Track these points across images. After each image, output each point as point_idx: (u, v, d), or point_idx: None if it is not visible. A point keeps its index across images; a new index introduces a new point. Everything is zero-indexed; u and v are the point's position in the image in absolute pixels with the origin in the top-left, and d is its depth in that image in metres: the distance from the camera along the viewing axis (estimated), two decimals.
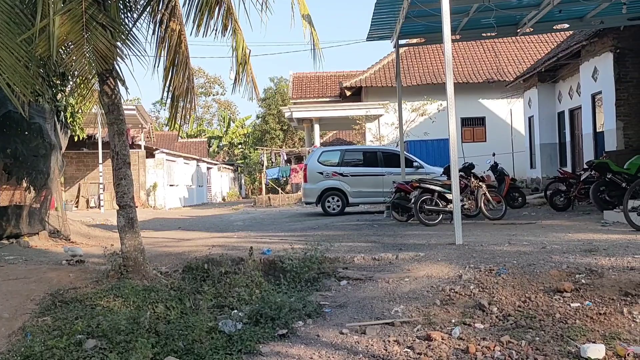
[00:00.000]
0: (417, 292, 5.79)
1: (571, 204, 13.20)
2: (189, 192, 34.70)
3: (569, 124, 18.69)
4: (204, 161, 40.88)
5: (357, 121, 25.38)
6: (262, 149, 40.07)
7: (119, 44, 6.66)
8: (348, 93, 27.61)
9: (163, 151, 30.24)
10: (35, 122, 10.32)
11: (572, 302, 5.06)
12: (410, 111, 23.57)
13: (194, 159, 37.59)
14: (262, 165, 36.05)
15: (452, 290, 5.66)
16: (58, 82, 9.94)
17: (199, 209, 29.05)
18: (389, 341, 4.64)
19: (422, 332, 4.78)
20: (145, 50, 7.17)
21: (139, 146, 27.84)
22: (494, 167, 14.40)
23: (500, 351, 4.30)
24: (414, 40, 15.99)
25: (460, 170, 11.39)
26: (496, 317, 4.98)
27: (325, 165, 16.54)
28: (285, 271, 6.80)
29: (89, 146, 25.83)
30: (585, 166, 13.30)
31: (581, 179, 12.79)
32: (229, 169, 52.29)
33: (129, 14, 7.31)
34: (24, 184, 10.68)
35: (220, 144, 58.40)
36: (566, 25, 14.41)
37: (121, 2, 7.06)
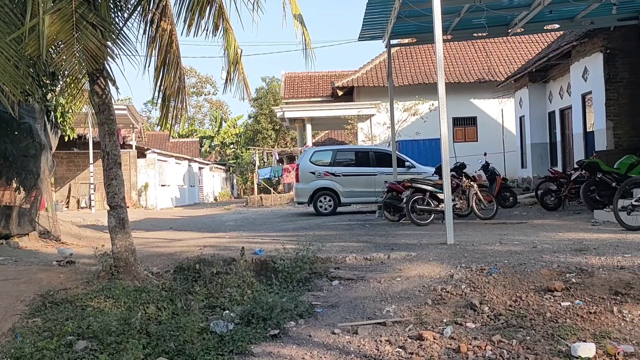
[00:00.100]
0: (408, 291, 5.80)
1: (562, 204, 13.28)
2: (180, 192, 34.59)
3: (560, 123, 18.80)
4: (195, 161, 40.77)
5: (349, 121, 25.41)
6: (254, 149, 40.03)
7: (109, 43, 6.63)
8: (340, 93, 27.63)
9: (154, 151, 30.13)
10: (25, 122, 10.25)
11: (562, 301, 5.09)
12: (402, 111, 23.61)
13: (185, 159, 37.48)
14: (254, 165, 36.02)
15: (444, 290, 5.68)
16: (48, 81, 9.89)
17: (190, 209, 28.97)
18: (381, 341, 4.65)
19: (413, 331, 4.79)
20: (136, 50, 7.14)
21: (130, 146, 27.72)
22: (486, 167, 14.45)
23: (491, 350, 4.31)
24: (406, 40, 16.03)
25: (451, 170, 11.44)
26: (487, 316, 5.00)
27: (317, 165, 16.54)
28: (277, 271, 6.79)
29: (79, 146, 25.69)
30: (575, 166, 13.38)
31: (572, 179, 12.87)
32: (220, 169, 52.18)
33: (119, 14, 7.27)
34: (14, 185, 10.60)
35: (212, 144, 58.27)
36: (557, 26, 14.50)
37: (112, 1, 7.03)
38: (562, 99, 18.31)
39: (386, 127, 23.64)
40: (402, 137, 22.77)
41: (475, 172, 14.50)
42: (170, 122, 7.43)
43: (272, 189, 30.96)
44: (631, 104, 13.75)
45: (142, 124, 30.60)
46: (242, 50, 7.43)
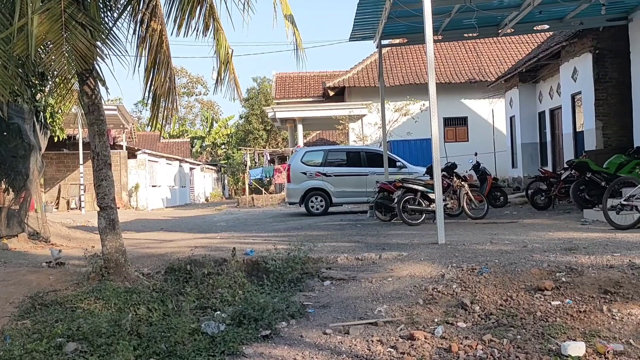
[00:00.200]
0: (400, 291, 5.81)
1: (552, 203, 13.35)
2: (171, 193, 34.47)
3: (550, 123, 18.91)
4: (186, 162, 40.65)
5: (341, 121, 25.42)
6: (246, 149, 39.95)
7: (99, 43, 6.60)
8: (331, 93, 27.64)
9: (145, 152, 30.00)
10: (13, 123, 10.17)
11: (552, 300, 5.12)
12: (393, 111, 23.65)
13: (176, 159, 37.35)
14: (246, 165, 35.93)
15: (435, 290, 5.69)
16: (37, 82, 9.82)
17: (181, 209, 28.88)
18: (373, 341, 4.65)
19: (405, 331, 4.79)
20: (126, 50, 7.11)
21: (121, 147, 27.58)
22: (476, 167, 14.52)
23: (482, 350, 4.33)
24: (397, 41, 16.06)
25: (442, 170, 11.47)
26: (478, 315, 5.01)
27: (308, 165, 16.54)
28: (269, 272, 6.78)
29: (69, 147, 25.53)
30: (565, 165, 13.46)
31: (561, 178, 12.95)
32: (212, 169, 52.04)
33: (109, 13, 7.24)
34: (3, 186, 10.52)
35: (203, 144, 58.08)
36: (546, 26, 14.58)
37: (101, 1, 6.99)
38: (552, 99, 18.42)
39: (377, 127, 23.66)
40: (394, 137, 22.81)
41: (466, 172, 14.57)
42: (160, 123, 7.39)
43: (263, 190, 30.90)
44: (620, 104, 13.85)
45: (133, 124, 30.44)
46: (233, 50, 7.42)
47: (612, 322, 4.63)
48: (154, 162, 31.29)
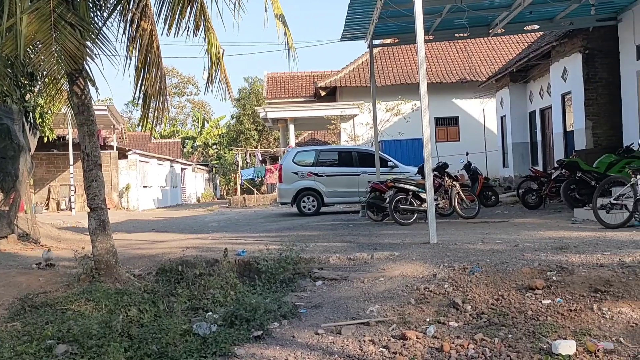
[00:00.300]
0: (392, 291, 5.81)
1: (543, 202, 13.42)
2: (162, 193, 34.33)
3: (540, 123, 19.01)
4: (178, 162, 40.50)
5: (332, 121, 25.43)
6: (237, 150, 39.88)
7: (88, 43, 6.57)
8: (323, 93, 27.64)
9: (136, 152, 29.86)
10: (2, 123, 10.09)
11: (543, 299, 5.14)
12: (385, 111, 23.69)
13: (167, 159, 37.21)
14: (237, 165, 35.86)
15: (427, 289, 5.70)
16: (26, 82, 9.75)
17: (173, 210, 28.77)
18: (365, 341, 4.65)
19: (397, 331, 4.80)
20: (116, 50, 7.07)
21: (112, 147, 27.43)
22: (468, 167, 14.56)
23: (474, 349, 4.34)
24: (388, 41, 16.08)
25: (434, 170, 11.51)
26: (470, 315, 5.03)
27: (300, 165, 16.52)
28: (261, 272, 6.76)
29: (59, 147, 25.37)
30: (556, 165, 13.53)
31: (552, 178, 13.02)
32: (203, 169, 51.89)
33: (98, 13, 7.20)
34: None
35: (195, 145, 57.91)
36: (537, 26, 14.65)
37: (90, 0, 6.95)
38: (542, 98, 18.51)
39: (369, 127, 23.69)
40: (385, 137, 22.84)
41: (458, 171, 14.61)
42: (151, 123, 7.36)
43: (255, 190, 30.86)
44: (610, 104, 13.94)
45: (123, 124, 30.27)
46: (224, 50, 7.40)
47: (602, 321, 4.65)
48: (145, 163, 31.16)
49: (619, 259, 5.97)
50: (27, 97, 10.77)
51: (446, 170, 12.51)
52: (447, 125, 26.41)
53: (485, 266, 6.17)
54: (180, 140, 53.55)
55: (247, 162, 36.65)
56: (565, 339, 4.33)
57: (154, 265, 7.54)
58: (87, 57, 6.53)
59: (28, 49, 6.17)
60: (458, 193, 12.15)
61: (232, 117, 57.84)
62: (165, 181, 35.78)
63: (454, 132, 26.40)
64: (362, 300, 5.68)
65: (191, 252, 8.36)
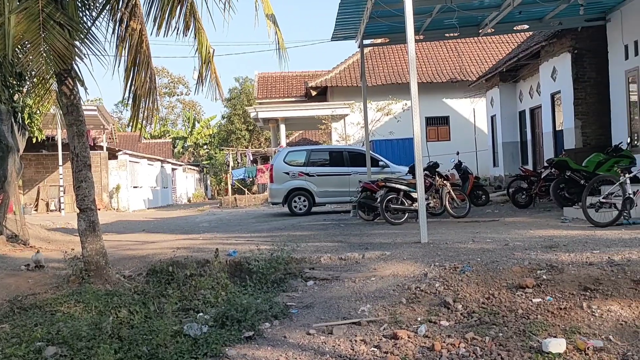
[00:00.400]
0: (383, 291, 5.82)
1: (532, 201, 13.49)
2: (153, 194, 34.19)
3: (530, 122, 19.11)
4: (168, 162, 40.34)
5: (323, 121, 25.43)
6: (228, 150, 39.79)
7: (77, 43, 6.53)
8: (314, 93, 27.64)
9: (126, 152, 29.72)
10: None
11: (533, 298, 5.16)
12: (376, 111, 23.72)
13: (158, 160, 37.05)
14: (228, 165, 35.77)
15: (418, 289, 5.71)
16: (15, 82, 9.69)
17: (164, 210, 28.66)
18: (356, 341, 4.65)
19: (388, 330, 4.80)
20: (105, 50, 7.04)
21: (101, 147, 27.30)
22: (458, 166, 14.60)
23: (465, 348, 4.35)
24: (379, 40, 16.12)
25: (425, 169, 11.54)
26: (461, 314, 5.04)
27: (291, 165, 16.51)
28: (252, 272, 6.75)
29: (48, 148, 25.19)
30: (545, 164, 13.61)
31: (542, 177, 13.09)
32: (194, 169, 51.73)
33: (87, 13, 7.17)
34: None
35: (185, 145, 57.69)
36: (526, 26, 14.74)
37: (79, 0, 6.91)
38: (532, 98, 18.62)
39: (360, 126, 23.70)
40: (376, 136, 22.88)
41: (448, 171, 14.66)
42: (141, 123, 7.33)
43: (246, 190, 30.80)
44: (598, 103, 14.04)
45: (113, 124, 30.14)
46: (214, 50, 7.39)
47: (592, 319, 4.68)
48: (135, 163, 31.01)
49: (608, 258, 6.01)
50: (16, 97, 10.70)
51: (437, 169, 12.55)
52: (437, 125, 26.49)
53: (476, 265, 6.19)
54: (170, 140, 53.32)
55: (238, 162, 36.57)
56: (555, 337, 4.35)
57: (145, 266, 7.51)
58: (76, 57, 6.50)
59: (16, 49, 6.14)
60: (449, 192, 12.19)
61: (223, 117, 57.69)
62: (156, 181, 35.63)
63: (445, 132, 26.50)
64: (354, 300, 5.68)
65: (182, 252, 8.33)
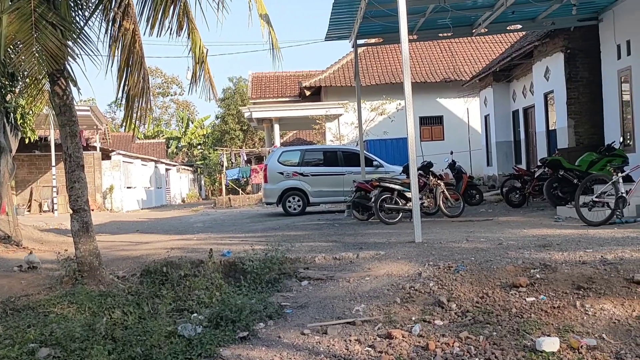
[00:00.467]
0: (377, 290, 5.82)
1: (526, 201, 13.54)
2: (147, 194, 34.08)
3: (523, 122, 19.18)
4: (162, 162, 40.23)
5: (317, 121, 25.42)
6: (222, 150, 39.73)
7: (70, 43, 6.50)
8: (307, 93, 27.62)
9: (120, 153, 29.61)
10: None
11: (527, 297, 5.18)
12: (370, 110, 23.74)
13: (152, 160, 36.94)
14: (222, 166, 35.72)
15: (412, 288, 5.72)
16: (7, 82, 9.64)
17: (157, 211, 28.58)
18: (350, 340, 4.66)
19: (383, 330, 4.81)
20: (98, 50, 7.01)
21: (95, 148, 27.18)
22: (452, 165, 14.64)
23: (459, 347, 4.36)
24: (372, 40, 16.13)
25: (419, 169, 11.54)
26: (455, 313, 5.05)
27: (285, 165, 16.50)
28: (246, 272, 6.74)
29: (41, 148, 25.08)
30: (538, 163, 13.66)
31: (535, 176, 13.13)
32: (188, 170, 51.61)
33: (80, 12, 7.14)
34: None
35: (179, 145, 57.56)
36: (519, 26, 14.79)
37: (72, 0, 6.88)
38: (525, 98, 18.68)
39: (354, 126, 23.72)
40: (370, 136, 22.89)
41: (442, 170, 14.70)
42: (134, 123, 7.30)
43: (240, 190, 30.79)
44: (591, 103, 14.11)
45: (107, 125, 30.03)
46: (207, 49, 7.37)
47: (585, 318, 4.70)
48: (128, 163, 30.91)
49: (601, 256, 6.04)
50: (8, 97, 10.64)
51: (431, 169, 12.57)
52: (431, 125, 26.53)
53: (469, 264, 6.21)
54: (164, 140, 53.19)
55: (232, 162, 36.52)
56: (548, 335, 4.36)
57: (138, 267, 7.49)
58: (69, 57, 6.47)
59: (9, 49, 6.11)
60: (443, 192, 12.21)
61: (217, 117, 57.60)
62: (150, 182, 35.53)
63: (439, 131, 26.54)
64: (348, 299, 5.69)
65: (176, 253, 8.31)
